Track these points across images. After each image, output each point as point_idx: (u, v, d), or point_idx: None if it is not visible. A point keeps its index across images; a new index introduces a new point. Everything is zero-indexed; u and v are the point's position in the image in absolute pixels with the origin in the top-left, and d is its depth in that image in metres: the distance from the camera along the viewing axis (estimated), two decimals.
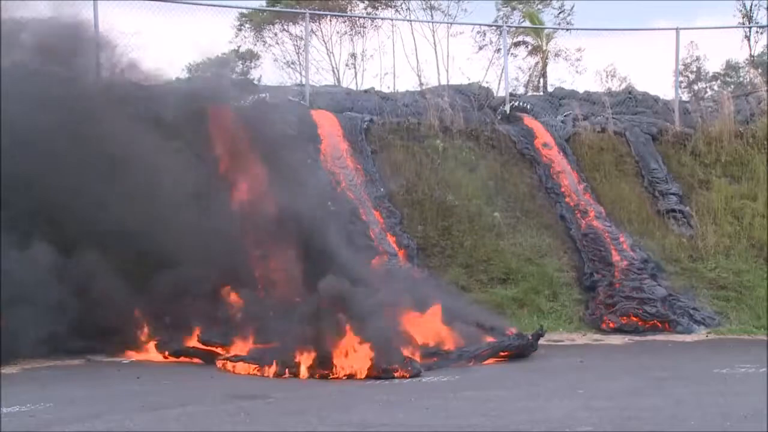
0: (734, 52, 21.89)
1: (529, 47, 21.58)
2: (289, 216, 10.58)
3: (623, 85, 18.92)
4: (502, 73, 18.17)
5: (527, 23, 21.21)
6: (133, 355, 10.21)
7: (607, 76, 19.72)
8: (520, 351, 10.44)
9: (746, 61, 21.14)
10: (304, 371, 8.92)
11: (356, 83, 19.73)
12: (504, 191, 14.56)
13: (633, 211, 14.45)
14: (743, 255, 14.04)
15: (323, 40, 20.35)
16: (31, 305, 9.64)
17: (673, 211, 14.51)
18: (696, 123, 15.99)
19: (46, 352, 9.87)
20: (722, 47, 21.77)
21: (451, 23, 19.66)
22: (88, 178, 10.33)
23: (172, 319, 10.31)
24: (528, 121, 15.93)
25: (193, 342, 10.12)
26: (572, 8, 22.16)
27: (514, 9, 21.92)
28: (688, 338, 12.15)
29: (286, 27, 20.60)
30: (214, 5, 15.45)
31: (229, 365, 9.43)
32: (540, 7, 22.15)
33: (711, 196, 14.84)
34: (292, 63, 20.58)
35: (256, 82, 16.99)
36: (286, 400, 7.80)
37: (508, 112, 16.10)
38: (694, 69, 21.62)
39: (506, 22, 20.22)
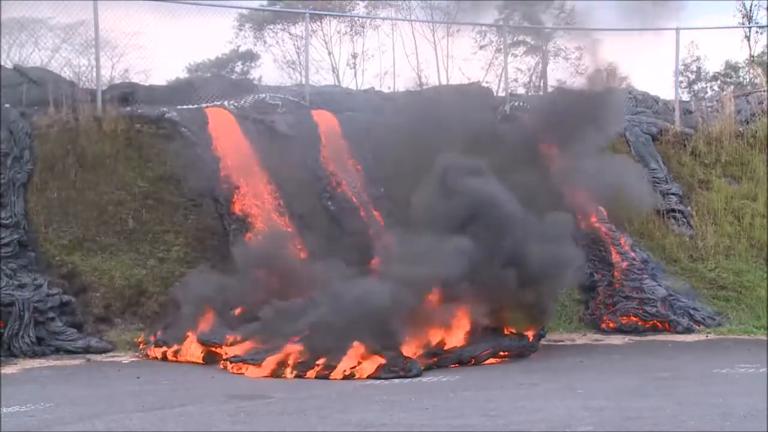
0: (734, 52, 21.88)
1: (528, 46, 21.53)
2: None
3: (623, 85, 18.87)
4: (502, 73, 18.14)
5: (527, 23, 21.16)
6: None
7: (606, 76, 19.64)
8: (520, 351, 10.45)
9: (746, 61, 21.12)
10: None
11: (356, 83, 19.70)
12: None
13: (633, 211, 14.43)
14: (743, 255, 14.05)
15: (323, 40, 20.33)
16: None
17: (673, 211, 14.50)
18: (696, 123, 15.97)
19: None
20: (722, 47, 21.78)
21: (451, 23, 19.61)
22: None
23: None
24: None
25: None
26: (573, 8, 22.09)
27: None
28: (688, 338, 12.15)
29: (286, 27, 20.57)
30: (214, 5, 15.43)
31: None
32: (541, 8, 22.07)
33: (711, 196, 14.84)
34: (292, 63, 20.55)
35: (256, 82, 16.96)
36: (286, 400, 7.80)
37: (508, 112, 16.07)
38: (694, 69, 21.58)
39: (507, 23, 20.18)
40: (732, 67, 22.01)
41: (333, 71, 20.24)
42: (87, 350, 10.67)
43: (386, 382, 8.78)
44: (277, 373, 9.16)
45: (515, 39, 21.11)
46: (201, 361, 10.10)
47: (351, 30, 20.30)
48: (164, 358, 10.35)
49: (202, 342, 10.22)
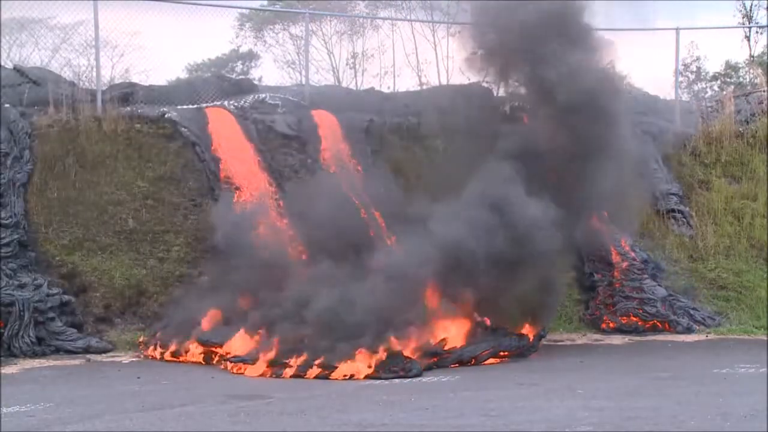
0: (734, 52, 21.83)
1: None
2: None
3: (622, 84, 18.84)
4: None
5: None
6: None
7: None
8: (520, 351, 10.45)
9: (746, 61, 21.10)
10: None
11: (356, 83, 19.70)
12: None
13: (633, 211, 14.42)
14: (743, 255, 14.04)
15: (323, 40, 20.34)
16: None
17: (673, 211, 14.49)
18: (696, 123, 15.96)
19: None
20: (722, 47, 21.72)
21: (451, 23, 19.61)
22: None
23: None
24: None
25: None
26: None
27: None
28: (688, 338, 12.16)
29: (286, 27, 20.59)
30: (214, 5, 15.43)
31: None
32: None
33: (711, 196, 14.82)
34: (292, 63, 20.57)
35: (256, 82, 16.97)
36: (286, 400, 7.81)
37: (508, 112, 16.04)
38: (694, 69, 21.57)
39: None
40: (732, 67, 21.99)
41: (333, 71, 20.25)
42: (87, 350, 10.67)
43: (386, 382, 8.79)
44: (276, 372, 9.18)
45: None
46: (202, 361, 10.11)
47: (351, 30, 20.30)
48: (162, 357, 10.35)
49: (202, 342, 10.22)
